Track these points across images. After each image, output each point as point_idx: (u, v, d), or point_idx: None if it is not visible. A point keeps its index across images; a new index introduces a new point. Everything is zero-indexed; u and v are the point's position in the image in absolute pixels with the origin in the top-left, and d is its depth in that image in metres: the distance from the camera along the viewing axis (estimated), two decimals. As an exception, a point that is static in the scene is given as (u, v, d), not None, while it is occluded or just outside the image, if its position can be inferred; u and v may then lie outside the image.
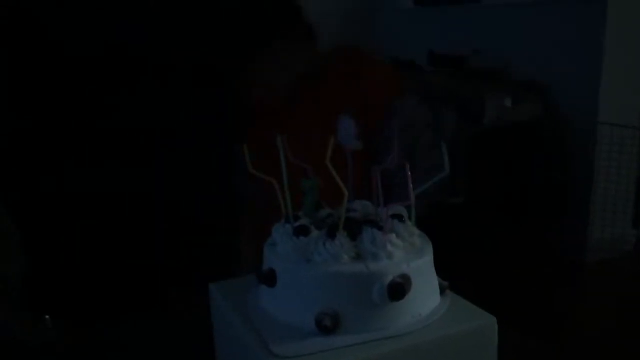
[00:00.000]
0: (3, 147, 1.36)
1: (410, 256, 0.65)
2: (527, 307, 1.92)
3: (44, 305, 1.31)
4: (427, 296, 0.67)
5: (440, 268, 0.70)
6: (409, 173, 0.65)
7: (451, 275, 0.72)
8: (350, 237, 0.65)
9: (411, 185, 0.65)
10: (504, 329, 0.67)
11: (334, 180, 0.63)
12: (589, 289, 2.23)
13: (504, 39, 2.71)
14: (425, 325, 0.64)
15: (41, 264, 1.42)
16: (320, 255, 0.64)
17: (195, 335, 0.89)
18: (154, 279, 1.37)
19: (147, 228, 1.41)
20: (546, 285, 2.13)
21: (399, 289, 0.62)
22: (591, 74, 2.38)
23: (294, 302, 0.65)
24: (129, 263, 1.39)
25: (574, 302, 2.10)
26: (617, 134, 2.33)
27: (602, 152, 2.36)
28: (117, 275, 1.39)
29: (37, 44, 1.34)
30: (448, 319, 0.66)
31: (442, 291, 0.70)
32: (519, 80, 2.52)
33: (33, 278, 1.34)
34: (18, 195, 1.41)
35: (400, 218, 0.68)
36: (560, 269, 2.27)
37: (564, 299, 2.08)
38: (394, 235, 0.65)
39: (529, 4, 2.85)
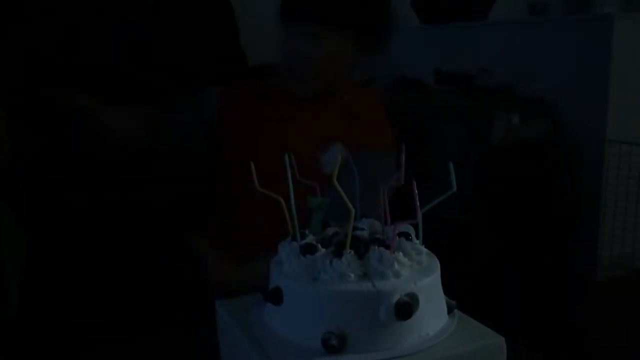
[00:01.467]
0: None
1: (417, 275, 0.65)
2: (536, 326, 1.91)
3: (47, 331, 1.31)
4: (434, 315, 0.66)
5: (448, 287, 0.70)
6: (416, 191, 0.65)
7: (459, 293, 0.72)
8: (356, 256, 0.64)
9: (418, 203, 0.64)
10: (513, 348, 0.66)
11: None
12: (599, 307, 2.21)
13: (511, 57, 2.71)
14: (433, 345, 0.64)
15: (46, 287, 1.43)
16: (326, 273, 0.63)
17: (202, 354, 0.89)
18: (159, 298, 1.37)
19: (150, 248, 1.41)
20: (556, 304, 2.11)
21: (406, 308, 0.61)
22: (598, 90, 2.38)
23: (300, 321, 0.64)
24: (132, 283, 1.39)
25: (584, 320, 2.08)
26: (625, 150, 2.32)
27: (610, 169, 2.35)
28: (122, 296, 1.40)
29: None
30: (455, 338, 0.65)
31: (450, 310, 0.69)
32: (527, 97, 2.53)
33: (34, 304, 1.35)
34: (28, 212, 1.42)
35: (407, 236, 0.68)
36: (570, 286, 2.25)
37: (574, 318, 2.06)
38: (400, 253, 0.65)
39: (535, 22, 2.86)
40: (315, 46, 1.25)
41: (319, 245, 0.66)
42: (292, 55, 1.26)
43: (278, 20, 1.28)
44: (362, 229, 0.71)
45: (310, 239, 0.68)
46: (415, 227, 0.68)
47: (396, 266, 0.63)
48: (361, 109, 1.33)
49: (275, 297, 0.66)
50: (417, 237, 0.68)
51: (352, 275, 0.63)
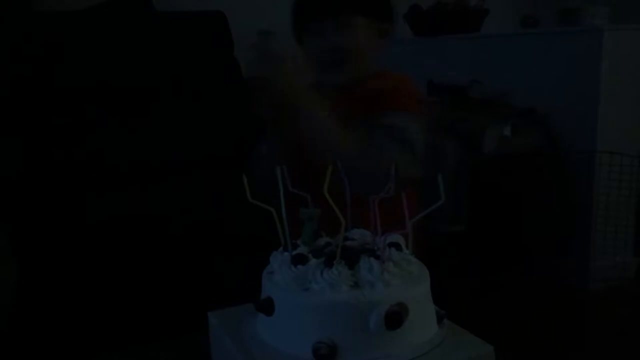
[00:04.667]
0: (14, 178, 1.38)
1: (407, 284, 0.65)
2: (526, 336, 1.91)
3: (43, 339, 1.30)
4: (424, 325, 0.67)
5: (438, 296, 0.70)
6: (406, 202, 0.66)
7: (449, 303, 0.72)
8: (347, 266, 0.65)
9: (407, 214, 0.65)
10: (502, 358, 0.67)
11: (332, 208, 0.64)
12: (590, 317, 2.21)
13: (502, 69, 2.73)
14: (422, 354, 0.64)
15: (41, 294, 1.42)
16: (317, 283, 0.64)
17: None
18: (154, 310, 1.37)
19: (145, 261, 1.41)
20: (547, 314, 2.11)
21: (395, 318, 0.62)
22: (589, 102, 2.40)
23: (291, 331, 0.65)
24: (128, 296, 1.39)
25: (575, 330, 2.08)
26: (616, 161, 2.34)
27: (601, 180, 2.36)
28: (116, 308, 1.39)
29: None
30: (445, 347, 0.66)
31: (439, 320, 0.70)
32: (518, 109, 2.54)
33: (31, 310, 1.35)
34: (25, 225, 1.42)
35: (397, 246, 0.68)
36: (561, 297, 2.26)
37: (565, 328, 2.06)
38: (391, 263, 0.65)
39: (527, 34, 2.89)
40: (348, 35, 1.30)
41: (310, 256, 0.67)
42: (326, 48, 1.31)
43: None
44: (353, 239, 0.72)
45: (301, 249, 0.69)
46: (406, 237, 0.69)
47: (386, 276, 0.64)
48: (387, 94, 1.36)
49: (267, 307, 0.67)
50: (407, 247, 0.69)
51: (343, 285, 0.64)
